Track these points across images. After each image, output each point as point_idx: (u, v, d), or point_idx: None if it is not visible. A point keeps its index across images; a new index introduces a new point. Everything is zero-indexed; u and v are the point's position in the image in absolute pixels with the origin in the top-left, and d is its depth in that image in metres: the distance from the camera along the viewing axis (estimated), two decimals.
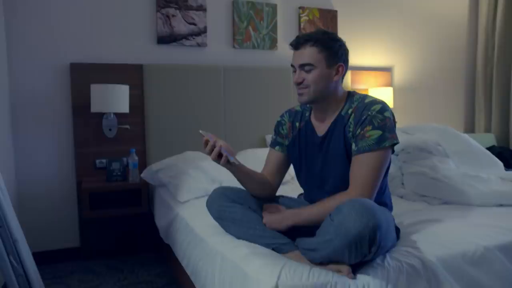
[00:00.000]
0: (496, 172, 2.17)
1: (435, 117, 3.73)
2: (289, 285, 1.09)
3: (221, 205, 1.46)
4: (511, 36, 3.68)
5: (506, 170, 2.31)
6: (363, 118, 1.32)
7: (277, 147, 1.60)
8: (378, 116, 1.31)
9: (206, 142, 1.41)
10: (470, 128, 4.02)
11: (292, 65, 1.42)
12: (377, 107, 1.32)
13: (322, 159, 1.42)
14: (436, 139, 2.30)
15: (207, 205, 1.52)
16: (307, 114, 1.52)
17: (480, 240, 1.37)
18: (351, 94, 1.44)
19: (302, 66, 1.37)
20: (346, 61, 1.41)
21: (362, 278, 1.14)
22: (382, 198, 1.43)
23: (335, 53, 1.36)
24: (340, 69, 1.38)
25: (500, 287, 1.33)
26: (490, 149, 3.20)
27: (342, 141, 1.37)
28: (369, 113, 1.31)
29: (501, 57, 3.72)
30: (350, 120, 1.36)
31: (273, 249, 1.31)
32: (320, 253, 1.17)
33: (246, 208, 1.44)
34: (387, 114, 1.33)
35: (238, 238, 1.42)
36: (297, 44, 1.39)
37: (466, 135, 2.40)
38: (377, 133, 1.30)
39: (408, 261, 1.22)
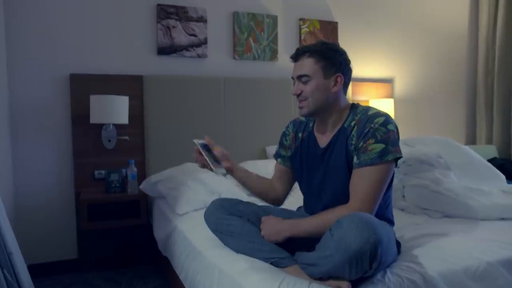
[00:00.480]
0: (498, 185, 2.15)
1: (436, 129, 3.72)
2: None
3: (219, 217, 1.44)
4: (511, 47, 3.68)
5: (508, 182, 2.29)
6: (366, 130, 1.30)
7: (279, 159, 1.61)
8: (382, 129, 1.28)
9: (197, 152, 1.46)
10: (471, 140, 4.00)
11: (292, 78, 1.43)
12: (381, 119, 1.30)
13: (323, 171, 1.41)
14: (437, 151, 2.28)
15: (205, 217, 1.50)
16: (310, 125, 1.51)
17: (483, 255, 1.35)
18: (354, 106, 1.42)
19: (299, 77, 1.37)
20: (346, 71, 1.39)
21: None
22: (385, 214, 1.41)
23: (332, 63, 1.35)
24: (339, 79, 1.36)
25: None
26: (492, 161, 3.18)
27: (344, 154, 1.35)
28: (372, 125, 1.29)
29: (502, 68, 3.72)
30: (353, 132, 1.34)
31: (271, 263, 1.28)
32: (320, 268, 1.14)
33: (245, 221, 1.41)
34: (390, 127, 1.30)
35: (237, 251, 1.40)
36: (296, 56, 1.40)
37: (467, 147, 2.38)
38: (380, 146, 1.27)
39: (409, 277, 1.19)
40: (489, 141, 3.84)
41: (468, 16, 3.95)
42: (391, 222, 1.44)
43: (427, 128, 3.72)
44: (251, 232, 1.38)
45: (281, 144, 1.60)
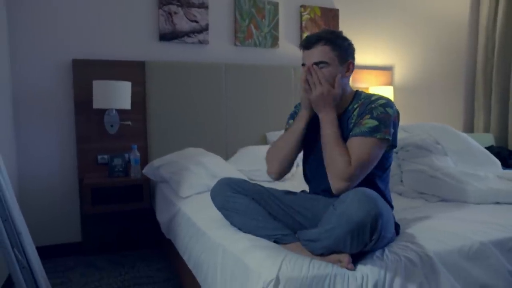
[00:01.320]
0: (494, 170, 2.20)
1: (434, 116, 3.76)
2: (290, 277, 1.11)
3: (226, 195, 1.48)
4: (511, 37, 3.70)
5: (503, 169, 2.34)
6: (366, 109, 1.38)
7: None
8: (379, 109, 1.36)
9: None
10: (469, 128, 4.04)
11: (303, 64, 1.45)
12: (382, 101, 1.38)
13: None
14: (435, 137, 2.32)
15: (211, 195, 1.54)
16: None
17: (476, 236, 1.40)
18: (358, 93, 1.49)
19: (315, 64, 1.40)
20: (353, 58, 1.47)
21: (360, 269, 1.17)
22: (385, 197, 1.46)
23: (345, 51, 1.42)
24: (351, 66, 1.44)
25: (494, 280, 1.36)
26: (489, 148, 3.22)
27: (345, 133, 1.41)
28: (373, 105, 1.38)
29: (501, 58, 3.74)
30: (354, 113, 1.42)
31: (274, 240, 1.33)
32: (321, 243, 1.19)
33: (250, 200, 1.45)
34: (389, 110, 1.37)
35: (240, 228, 1.44)
36: (308, 44, 1.43)
37: (464, 134, 2.42)
38: (372, 122, 1.34)
39: (406, 255, 1.24)
40: (487, 129, 3.89)
41: (469, 5, 3.96)
42: (390, 205, 1.49)
43: (426, 115, 3.76)
44: (256, 210, 1.42)
45: (292, 118, 1.63)
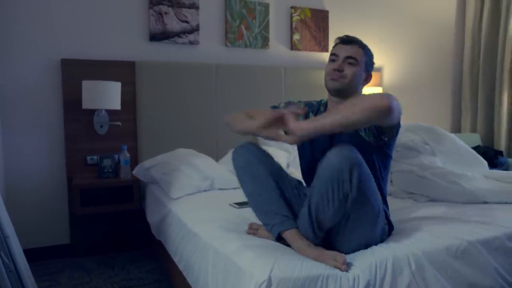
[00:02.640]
0: (481, 170, 2.24)
1: (423, 117, 3.81)
2: (282, 278, 1.12)
3: (249, 160, 1.44)
4: (496, 40, 3.77)
5: (490, 168, 2.38)
6: None
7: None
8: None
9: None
10: (456, 128, 4.11)
11: (334, 54, 1.51)
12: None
13: (328, 148, 1.41)
14: (423, 138, 2.35)
15: (233, 154, 1.49)
16: (322, 109, 1.61)
17: (464, 235, 1.42)
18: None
19: (348, 57, 1.48)
20: (372, 73, 1.57)
21: (352, 270, 1.19)
22: (381, 188, 1.48)
23: (371, 63, 1.56)
24: (369, 77, 1.56)
25: (482, 279, 1.38)
26: (475, 148, 3.28)
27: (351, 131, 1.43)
28: None
29: (487, 60, 3.81)
30: None
31: (271, 229, 1.35)
32: (309, 206, 1.25)
33: (268, 174, 1.43)
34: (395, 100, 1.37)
35: (248, 197, 1.43)
36: (347, 40, 1.52)
37: (452, 135, 2.46)
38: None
39: (395, 254, 1.26)
40: (473, 129, 3.95)
41: (456, 8, 4.02)
42: (383, 196, 1.50)
43: (415, 116, 3.80)
44: (271, 185, 1.39)
45: (288, 105, 1.64)
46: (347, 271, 1.17)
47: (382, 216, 1.37)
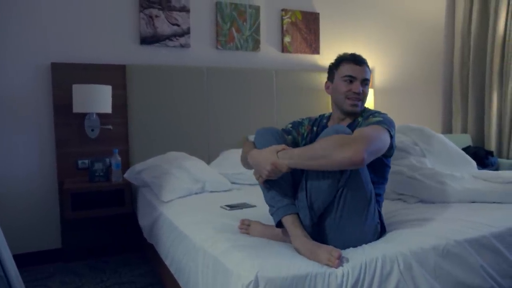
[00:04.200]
0: (469, 170, 2.25)
1: (414, 118, 3.84)
2: (269, 278, 1.12)
3: (270, 140, 1.44)
4: (485, 41, 3.81)
5: (479, 168, 2.40)
6: (369, 115, 1.52)
7: (290, 136, 1.66)
8: (382, 114, 1.50)
9: None
10: (447, 129, 4.14)
11: (351, 76, 1.54)
12: (383, 114, 1.50)
13: None
14: (413, 139, 2.37)
15: (256, 134, 1.49)
16: (324, 121, 1.68)
17: (451, 235, 1.43)
18: (366, 109, 1.61)
19: (365, 80, 1.56)
20: None
21: (341, 269, 1.19)
22: (380, 189, 1.52)
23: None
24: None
25: (470, 277, 1.39)
26: (466, 149, 3.31)
27: None
28: (375, 113, 1.52)
29: (476, 61, 3.85)
30: (360, 120, 1.55)
31: (278, 209, 1.36)
32: (305, 181, 1.32)
33: None
34: (389, 118, 1.47)
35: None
36: (360, 61, 1.56)
37: (441, 136, 2.48)
38: (377, 119, 1.45)
39: (384, 253, 1.28)
40: (464, 130, 3.99)
41: (445, 10, 4.06)
42: (381, 198, 1.55)
43: (405, 117, 3.83)
44: (286, 175, 1.39)
45: (295, 128, 1.69)
46: (338, 267, 1.18)
47: (374, 206, 1.40)
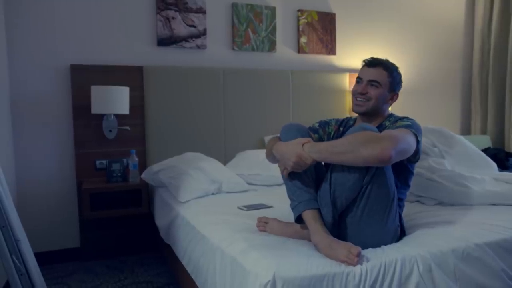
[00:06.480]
0: (490, 172, 2.21)
1: (432, 119, 3.78)
2: (286, 278, 1.12)
3: (296, 136, 1.45)
4: (506, 40, 3.73)
5: (500, 171, 2.35)
6: (396, 120, 1.53)
7: (316, 135, 1.68)
8: (410, 120, 1.50)
9: None
10: (466, 130, 4.06)
11: (359, 77, 1.59)
12: (412, 119, 1.51)
13: None
14: (432, 140, 2.33)
15: (282, 129, 1.51)
16: (351, 123, 1.70)
17: (471, 238, 1.41)
18: (391, 114, 1.63)
19: (371, 81, 1.56)
20: (399, 92, 1.64)
21: (360, 266, 1.19)
22: (402, 194, 1.52)
23: (397, 83, 1.61)
24: (395, 97, 1.62)
25: (491, 281, 1.36)
26: (486, 150, 3.24)
27: None
28: (404, 118, 1.53)
29: (497, 61, 3.77)
30: (387, 124, 1.55)
31: (299, 203, 1.37)
32: (330, 177, 1.32)
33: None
34: (417, 124, 1.48)
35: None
36: (371, 63, 1.59)
37: (461, 137, 2.43)
38: (406, 123, 1.46)
39: (404, 255, 1.26)
40: (484, 131, 3.91)
41: (464, 9, 3.99)
42: (403, 201, 1.54)
43: (423, 118, 3.76)
44: (309, 170, 1.41)
45: (322, 127, 1.71)
46: (356, 265, 1.17)
47: (395, 208, 1.39)
